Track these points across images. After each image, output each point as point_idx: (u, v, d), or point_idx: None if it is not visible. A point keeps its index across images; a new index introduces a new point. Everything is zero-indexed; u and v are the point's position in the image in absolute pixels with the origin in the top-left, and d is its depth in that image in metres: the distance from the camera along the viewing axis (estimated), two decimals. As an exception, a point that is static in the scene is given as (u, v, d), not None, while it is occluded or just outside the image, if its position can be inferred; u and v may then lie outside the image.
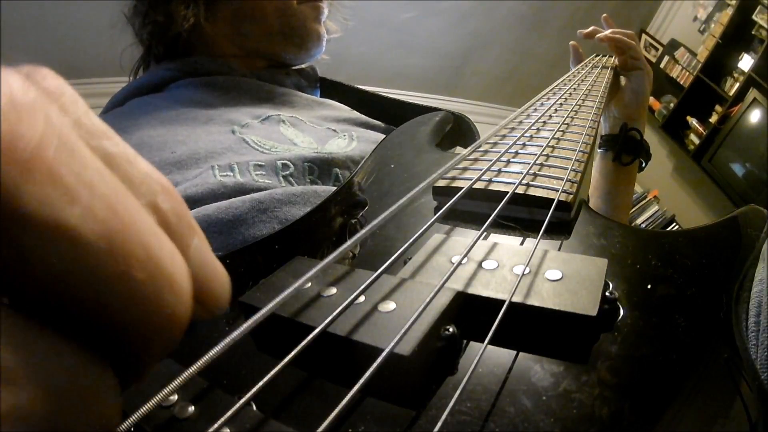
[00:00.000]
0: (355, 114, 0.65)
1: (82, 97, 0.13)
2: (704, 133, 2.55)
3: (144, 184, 0.13)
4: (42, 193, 0.10)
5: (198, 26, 0.60)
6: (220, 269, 0.15)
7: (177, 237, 0.13)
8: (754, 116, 2.25)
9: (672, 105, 2.79)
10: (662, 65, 2.85)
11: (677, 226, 2.74)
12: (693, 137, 2.67)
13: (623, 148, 0.72)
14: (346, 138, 0.56)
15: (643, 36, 2.98)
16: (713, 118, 2.52)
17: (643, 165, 0.74)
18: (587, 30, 0.80)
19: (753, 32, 2.36)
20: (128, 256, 0.11)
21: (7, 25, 1.63)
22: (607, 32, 0.77)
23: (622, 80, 0.76)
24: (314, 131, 0.56)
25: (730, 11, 2.45)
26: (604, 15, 0.82)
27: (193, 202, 0.41)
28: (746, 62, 2.38)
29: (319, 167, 0.48)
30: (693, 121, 2.68)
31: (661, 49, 2.89)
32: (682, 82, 2.73)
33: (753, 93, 2.25)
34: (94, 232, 0.10)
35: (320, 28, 0.66)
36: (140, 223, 0.12)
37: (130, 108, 0.59)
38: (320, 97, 0.72)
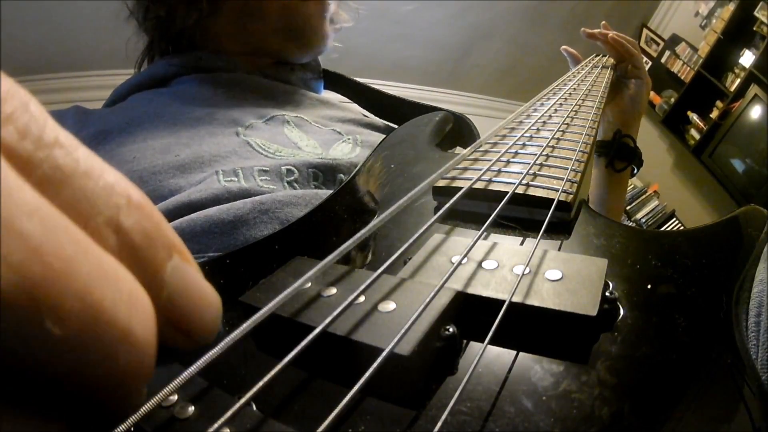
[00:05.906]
0: (360, 114, 0.64)
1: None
2: (705, 128, 2.55)
3: (102, 199, 0.11)
4: None
5: (201, 22, 0.59)
6: (207, 292, 0.13)
7: (146, 260, 0.11)
8: (755, 112, 2.25)
9: (673, 100, 2.79)
10: (663, 60, 2.84)
11: (677, 221, 2.75)
12: (693, 132, 2.67)
13: (616, 155, 0.72)
14: (351, 142, 0.55)
15: (644, 31, 2.97)
16: (714, 114, 2.52)
17: (635, 171, 0.74)
18: (593, 30, 0.80)
19: (754, 28, 2.36)
20: (55, 308, 0.09)
21: (6, 19, 1.62)
22: (612, 33, 0.77)
23: (620, 85, 0.76)
24: (319, 133, 0.55)
25: (731, 7, 2.45)
26: (603, 22, 0.82)
27: (197, 207, 0.40)
28: (747, 58, 2.38)
29: (324, 173, 0.47)
30: (693, 117, 2.68)
31: (662, 43, 2.88)
32: (682, 77, 2.73)
33: (754, 89, 2.25)
34: (8, 283, 0.08)
35: (325, 25, 0.64)
36: (77, 264, 0.09)
37: (132, 104, 0.58)
38: (323, 88, 0.72)
